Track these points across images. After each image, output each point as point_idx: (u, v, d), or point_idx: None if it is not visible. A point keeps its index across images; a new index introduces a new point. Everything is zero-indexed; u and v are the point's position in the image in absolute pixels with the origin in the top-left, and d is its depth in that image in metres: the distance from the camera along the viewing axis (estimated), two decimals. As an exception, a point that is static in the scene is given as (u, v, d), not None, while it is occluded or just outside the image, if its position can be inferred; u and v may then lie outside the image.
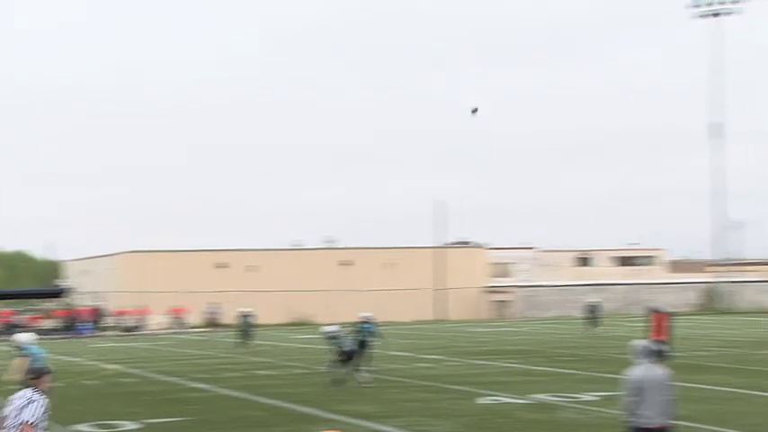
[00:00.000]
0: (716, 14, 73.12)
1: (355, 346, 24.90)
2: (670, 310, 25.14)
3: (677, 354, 24.82)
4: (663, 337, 23.92)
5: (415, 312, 67.66)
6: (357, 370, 24.58)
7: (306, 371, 28.28)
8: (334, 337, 25.08)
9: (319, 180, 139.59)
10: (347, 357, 24.61)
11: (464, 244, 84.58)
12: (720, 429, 16.48)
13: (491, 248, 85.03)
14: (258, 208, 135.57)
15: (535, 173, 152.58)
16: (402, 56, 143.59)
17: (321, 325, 32.57)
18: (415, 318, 65.75)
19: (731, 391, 21.39)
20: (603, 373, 25.34)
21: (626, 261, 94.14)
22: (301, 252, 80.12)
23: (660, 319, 24.36)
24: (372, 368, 25.51)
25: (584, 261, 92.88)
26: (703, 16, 73.68)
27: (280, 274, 72.30)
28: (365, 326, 26.08)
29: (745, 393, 21.02)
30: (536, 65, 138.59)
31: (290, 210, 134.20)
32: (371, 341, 25.89)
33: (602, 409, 18.60)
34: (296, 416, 19.11)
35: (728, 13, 72.82)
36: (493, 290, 77.72)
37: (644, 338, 11.55)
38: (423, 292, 72.01)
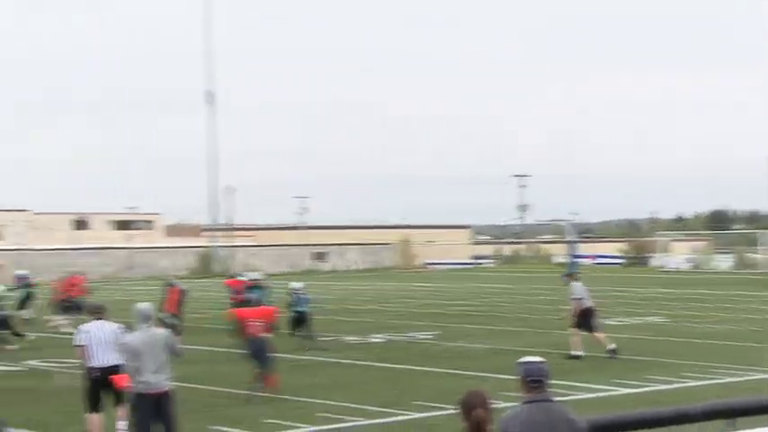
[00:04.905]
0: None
1: None
2: (185, 286, 26.13)
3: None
4: (175, 311, 24.67)
5: None
6: None
7: None
8: None
9: None
10: None
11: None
12: (212, 388, 17.49)
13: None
14: None
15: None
16: None
17: None
18: None
19: (222, 351, 22.36)
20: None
21: (123, 225, 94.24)
22: None
23: (174, 293, 25.10)
24: None
25: (80, 224, 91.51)
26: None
27: None
28: None
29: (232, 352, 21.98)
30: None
31: None
32: None
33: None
34: None
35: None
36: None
37: (146, 303, 11.86)
38: None
